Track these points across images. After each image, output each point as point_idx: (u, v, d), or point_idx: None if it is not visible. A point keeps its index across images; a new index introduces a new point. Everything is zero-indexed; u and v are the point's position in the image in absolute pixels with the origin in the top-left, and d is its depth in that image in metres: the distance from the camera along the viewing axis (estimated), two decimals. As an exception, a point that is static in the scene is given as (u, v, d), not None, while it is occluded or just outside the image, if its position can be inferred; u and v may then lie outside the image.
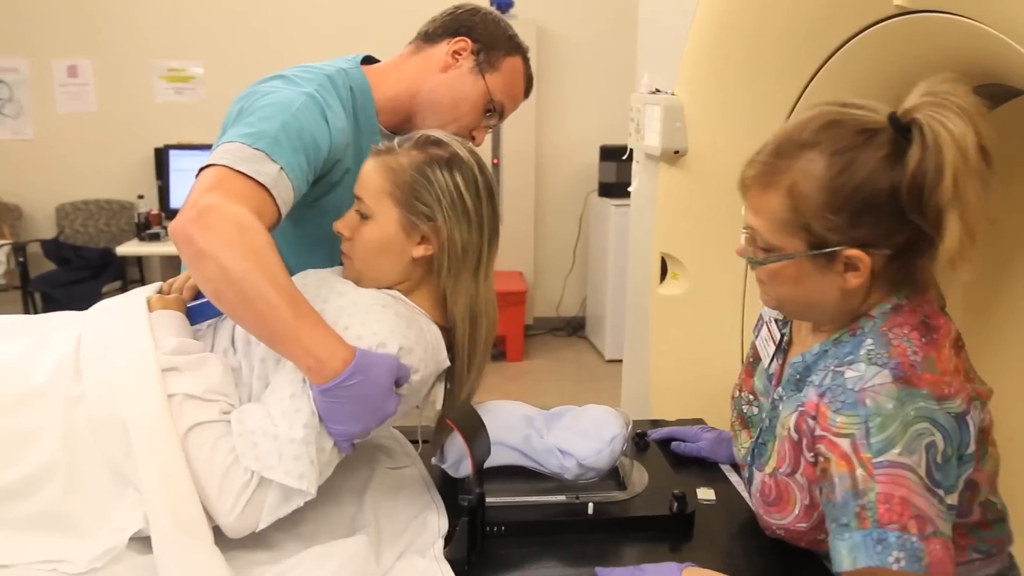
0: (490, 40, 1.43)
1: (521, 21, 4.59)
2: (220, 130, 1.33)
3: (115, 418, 1.07)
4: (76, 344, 1.15)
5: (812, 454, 1.04)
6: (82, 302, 1.46)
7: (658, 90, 2.12)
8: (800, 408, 1.05)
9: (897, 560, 0.93)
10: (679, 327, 2.09)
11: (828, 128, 0.99)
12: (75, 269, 4.43)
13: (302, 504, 1.08)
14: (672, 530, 1.21)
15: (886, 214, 0.98)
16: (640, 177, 2.30)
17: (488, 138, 4.70)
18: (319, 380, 1.04)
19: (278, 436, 1.05)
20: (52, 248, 4.50)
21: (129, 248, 4.19)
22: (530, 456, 1.28)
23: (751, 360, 1.30)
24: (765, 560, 1.16)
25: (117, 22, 4.53)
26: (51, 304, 4.28)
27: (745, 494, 1.31)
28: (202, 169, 1.15)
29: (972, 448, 1.00)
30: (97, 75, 4.57)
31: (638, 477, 1.31)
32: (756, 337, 1.29)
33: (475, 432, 1.13)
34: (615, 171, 4.47)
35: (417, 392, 1.17)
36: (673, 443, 1.50)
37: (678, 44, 2.00)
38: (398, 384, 1.09)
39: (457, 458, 1.29)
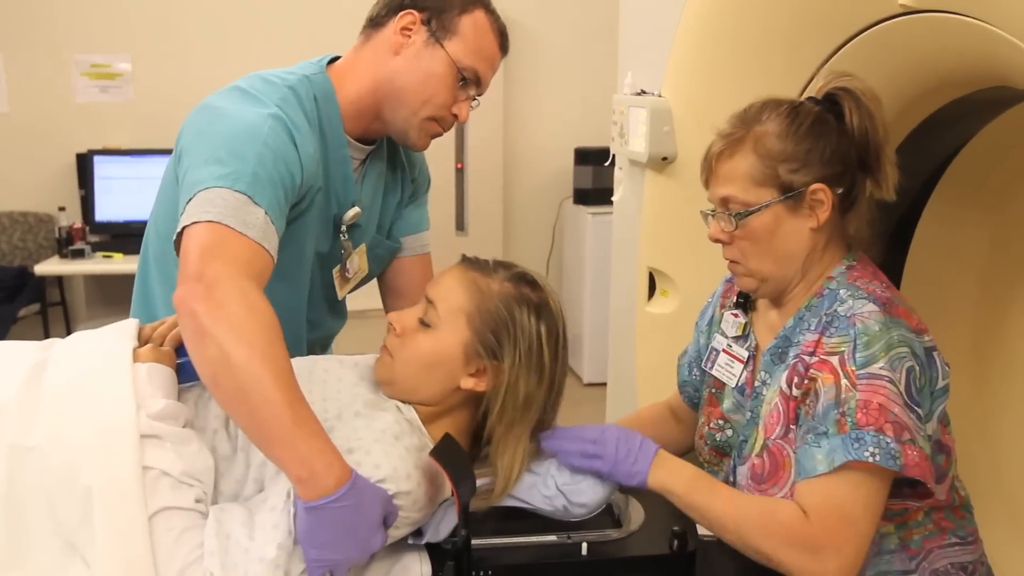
0: (438, 3, 1.40)
1: (486, 12, 4.64)
2: (175, 152, 1.34)
3: (78, 482, 1.05)
4: (28, 384, 1.14)
5: (801, 390, 1.24)
6: (-6, 327, 1.44)
7: (644, 91, 2.17)
8: (794, 360, 1.27)
9: (873, 455, 1.14)
10: (669, 348, 2.13)
11: (767, 105, 1.31)
12: (-14, 290, 4.37)
13: None
14: (673, 570, 1.24)
15: (836, 156, 1.27)
16: (624, 185, 2.34)
17: (451, 141, 4.75)
18: (308, 495, 1.03)
19: (248, 551, 1.05)
20: (-41, 267, 4.43)
21: (49, 267, 4.14)
22: (515, 495, 1.30)
23: (712, 392, 1.46)
24: (773, 600, 1.20)
25: (31, 11, 4.48)
26: (-42, 330, 4.21)
27: None
28: (186, 226, 1.17)
29: (942, 383, 1.25)
30: (9, 71, 4.51)
31: (634, 513, 1.35)
32: (711, 369, 1.46)
33: (460, 469, 1.15)
34: (591, 176, 4.52)
35: (401, 532, 1.18)
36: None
37: (665, 40, 2.05)
38: (386, 523, 1.11)
39: (438, 520, 1.25)
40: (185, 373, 1.23)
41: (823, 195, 1.26)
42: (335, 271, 1.52)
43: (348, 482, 1.04)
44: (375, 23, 1.44)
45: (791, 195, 1.26)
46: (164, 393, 1.16)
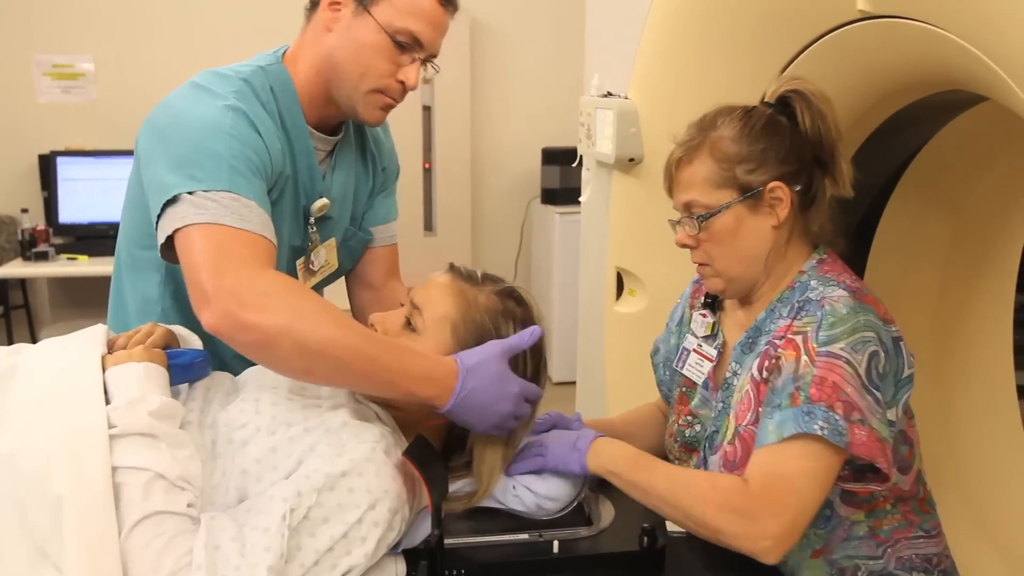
0: None
1: (453, 12, 4.64)
2: (136, 155, 1.34)
3: (48, 491, 1.03)
4: None
5: (768, 371, 1.27)
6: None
7: (610, 93, 2.20)
8: (765, 347, 1.31)
9: (822, 428, 1.16)
10: (637, 347, 2.15)
11: (720, 111, 1.36)
12: (-54, 294, 4.30)
13: None
14: (643, 566, 1.26)
15: (791, 154, 1.31)
16: (592, 186, 2.37)
17: (419, 140, 4.75)
18: (445, 399, 1.16)
19: (240, 568, 1.03)
20: (-82, 270, 4.36)
21: (12, 269, 4.08)
22: (491, 495, 1.32)
23: (683, 391, 1.49)
24: (740, 594, 1.22)
25: (-9, 11, 4.43)
26: (-82, 335, 4.14)
27: None
28: (177, 229, 1.19)
29: (907, 372, 1.27)
30: (-31, 72, 4.45)
31: (605, 511, 1.36)
32: (681, 368, 1.49)
33: (432, 468, 1.16)
34: (559, 176, 4.55)
35: (385, 548, 1.17)
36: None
37: (631, 43, 2.07)
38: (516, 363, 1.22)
39: (412, 526, 1.26)
40: (173, 376, 1.22)
41: (781, 193, 1.30)
42: (299, 263, 1.51)
43: (459, 371, 1.17)
44: (313, 4, 1.43)
45: (750, 195, 1.30)
46: (161, 392, 1.15)
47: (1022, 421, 2.27)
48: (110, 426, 1.09)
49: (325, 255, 1.55)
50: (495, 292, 1.28)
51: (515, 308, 1.28)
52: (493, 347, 1.21)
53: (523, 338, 1.23)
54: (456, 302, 1.26)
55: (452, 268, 1.31)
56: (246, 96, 1.34)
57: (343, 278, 1.70)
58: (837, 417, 1.17)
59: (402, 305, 1.32)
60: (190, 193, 1.20)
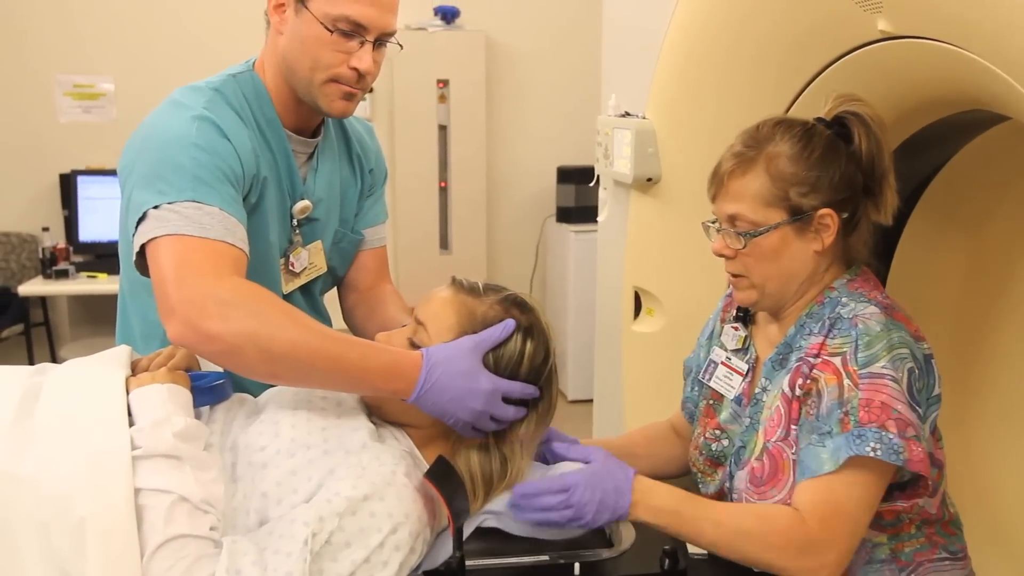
0: None
1: (469, 32, 4.67)
2: (119, 177, 1.35)
3: (71, 513, 1.03)
4: (21, 412, 1.13)
5: (803, 390, 1.26)
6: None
7: (628, 113, 2.20)
8: (797, 363, 1.29)
9: (874, 450, 1.17)
10: (655, 367, 2.15)
11: (780, 124, 1.33)
12: (-32, 311, 4.33)
13: None
14: (664, 588, 1.25)
15: (844, 181, 1.29)
16: (609, 206, 2.37)
17: (434, 159, 4.77)
18: (409, 391, 1.18)
19: None
20: (-59, 288, 4.40)
21: (33, 287, 4.10)
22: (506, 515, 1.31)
23: (709, 403, 1.48)
24: (763, 617, 1.21)
25: (13, 31, 4.47)
26: (-60, 352, 4.16)
27: None
28: (144, 244, 1.21)
29: (937, 391, 1.27)
30: (-8, 92, 4.50)
31: (625, 532, 1.35)
32: (708, 381, 1.48)
33: (454, 490, 1.16)
34: (574, 194, 4.56)
35: (407, 570, 1.17)
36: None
37: (647, 63, 2.08)
38: (496, 362, 1.22)
39: (434, 548, 1.26)
40: (196, 398, 1.22)
41: (830, 220, 1.29)
42: (280, 262, 1.51)
43: (424, 363, 1.19)
44: (266, 17, 1.46)
45: (799, 218, 1.29)
46: (185, 414, 1.16)
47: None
48: (135, 447, 1.09)
49: (308, 257, 1.56)
50: (498, 302, 1.28)
51: (519, 316, 1.27)
52: (464, 342, 1.22)
53: (495, 332, 1.23)
54: (457, 313, 1.26)
55: (454, 281, 1.31)
56: (217, 105, 1.36)
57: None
58: (891, 436, 1.17)
59: (405, 325, 1.32)
60: (155, 207, 1.23)
